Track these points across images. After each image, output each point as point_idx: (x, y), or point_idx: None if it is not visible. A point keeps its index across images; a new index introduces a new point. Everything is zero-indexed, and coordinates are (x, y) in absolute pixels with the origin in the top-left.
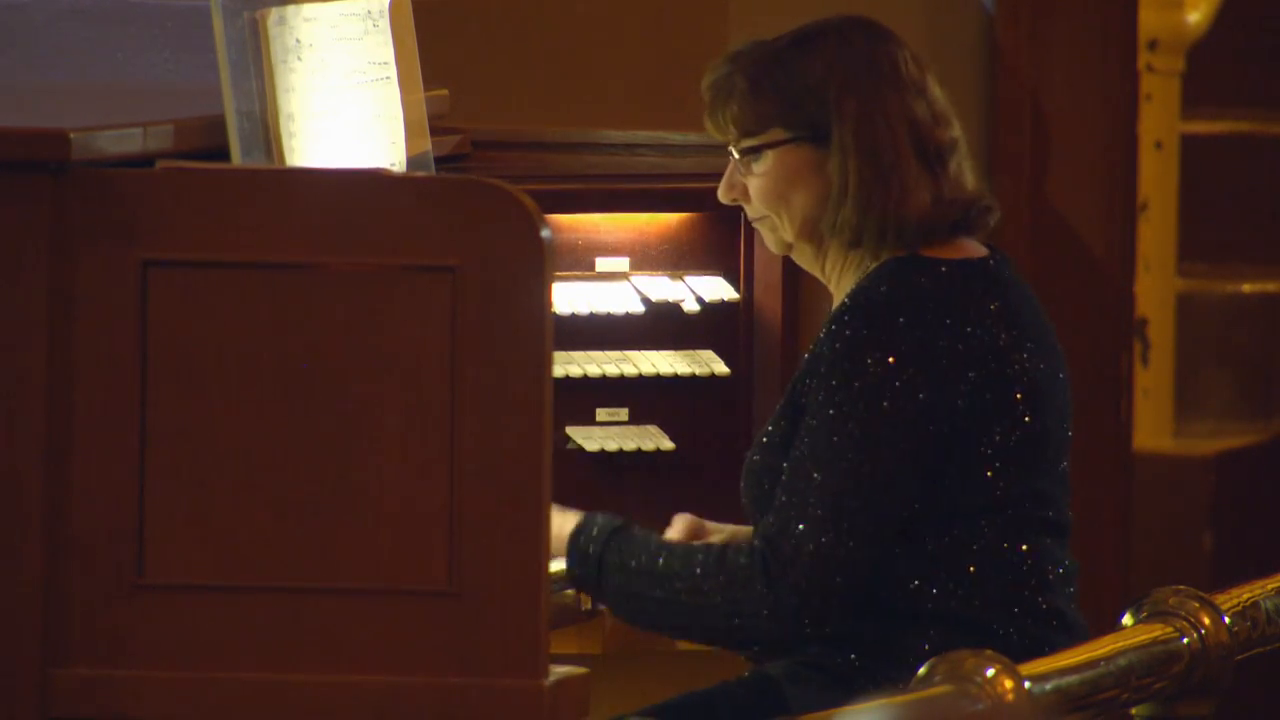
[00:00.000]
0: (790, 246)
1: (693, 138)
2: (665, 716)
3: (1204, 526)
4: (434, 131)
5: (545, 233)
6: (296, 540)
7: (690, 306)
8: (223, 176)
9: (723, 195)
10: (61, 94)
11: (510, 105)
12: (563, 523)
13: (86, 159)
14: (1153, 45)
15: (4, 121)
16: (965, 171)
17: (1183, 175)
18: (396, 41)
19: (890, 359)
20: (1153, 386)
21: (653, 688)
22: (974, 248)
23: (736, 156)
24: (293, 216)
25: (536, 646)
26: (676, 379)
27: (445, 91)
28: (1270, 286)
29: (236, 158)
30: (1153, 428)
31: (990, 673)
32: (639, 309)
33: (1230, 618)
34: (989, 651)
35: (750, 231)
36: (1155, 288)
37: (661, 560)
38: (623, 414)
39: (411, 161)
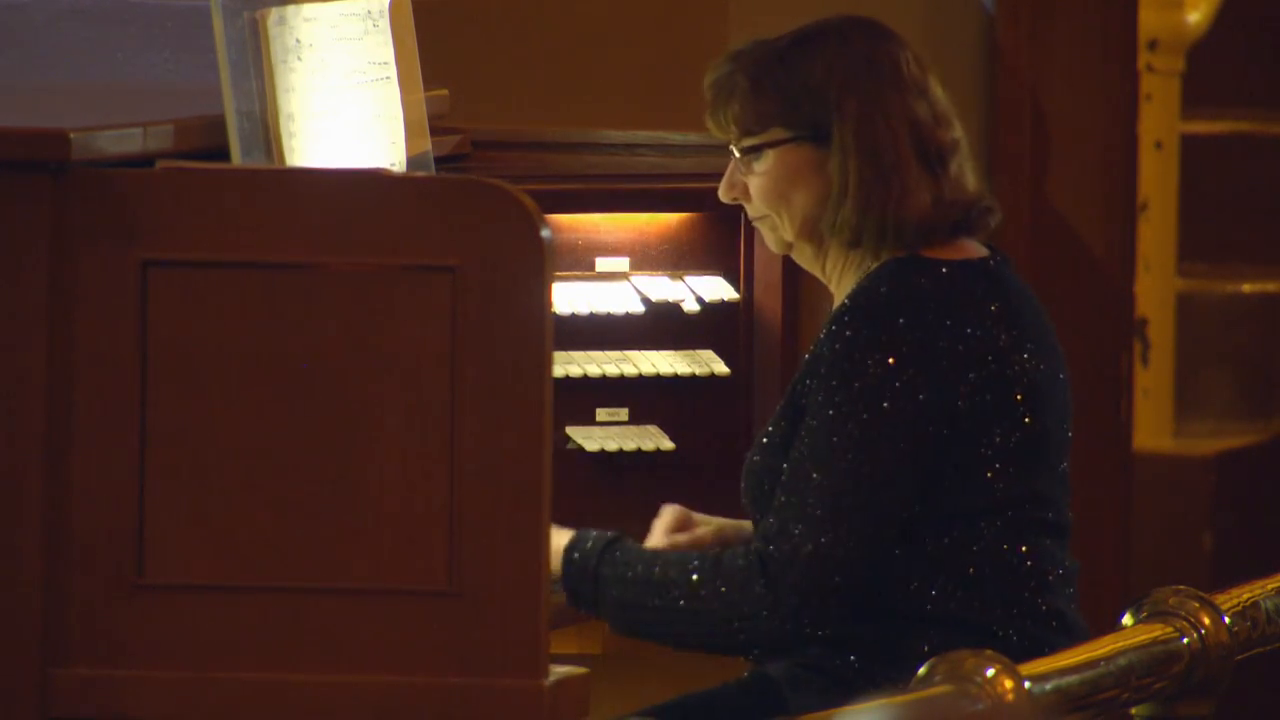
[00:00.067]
0: (790, 246)
1: (693, 138)
2: (664, 717)
3: (1204, 526)
4: (434, 131)
5: (545, 233)
6: (296, 540)
7: (690, 306)
8: (223, 176)
9: (723, 194)
10: (61, 94)
11: (510, 105)
12: (556, 539)
13: (86, 159)
14: (1153, 45)
15: (4, 121)
16: (966, 172)
17: (1183, 175)
18: (396, 41)
19: (890, 360)
20: (1153, 386)
21: (653, 688)
22: (974, 248)
23: (737, 155)
24: (293, 216)
25: (536, 646)
26: (676, 379)
27: (445, 91)
28: (1270, 286)
29: (236, 158)
30: (1153, 428)
31: (990, 673)
32: (639, 309)
33: (1230, 618)
34: (989, 651)
35: (750, 231)
36: (1155, 288)
37: (657, 569)
38: (623, 414)
39: (411, 161)
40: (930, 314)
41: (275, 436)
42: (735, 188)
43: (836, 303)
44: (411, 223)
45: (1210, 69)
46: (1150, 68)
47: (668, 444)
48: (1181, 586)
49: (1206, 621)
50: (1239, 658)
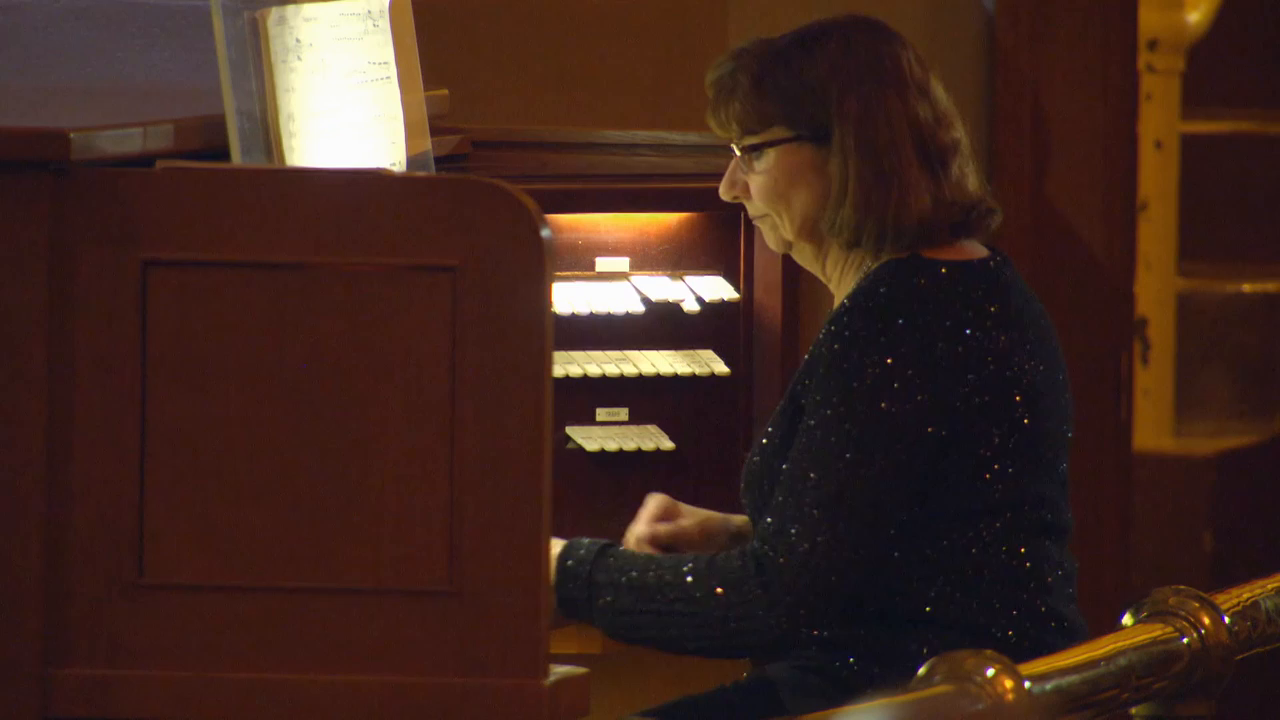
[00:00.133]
0: (791, 245)
1: (693, 138)
2: (664, 719)
3: (1204, 526)
4: (434, 131)
5: (545, 233)
6: (296, 540)
7: (690, 306)
8: (223, 176)
9: (724, 193)
10: (61, 94)
11: (510, 105)
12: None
13: (86, 159)
14: (1153, 45)
15: (4, 121)
16: (967, 173)
17: (1183, 175)
18: (396, 41)
19: (889, 360)
20: (1153, 386)
21: (653, 688)
22: (974, 249)
23: (738, 154)
24: (293, 216)
25: (536, 646)
26: (676, 379)
27: (445, 91)
28: (1270, 286)
29: (236, 158)
30: (1153, 428)
31: (990, 672)
32: (639, 309)
33: (1230, 618)
34: (989, 652)
35: (750, 231)
36: (1155, 287)
37: (652, 573)
38: (623, 414)
39: (411, 161)
40: (929, 315)
41: (275, 436)
42: (736, 186)
43: (837, 303)
44: (411, 223)
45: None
46: (1150, 68)
47: (668, 444)
48: (1181, 586)
49: (1206, 621)
50: (1239, 658)
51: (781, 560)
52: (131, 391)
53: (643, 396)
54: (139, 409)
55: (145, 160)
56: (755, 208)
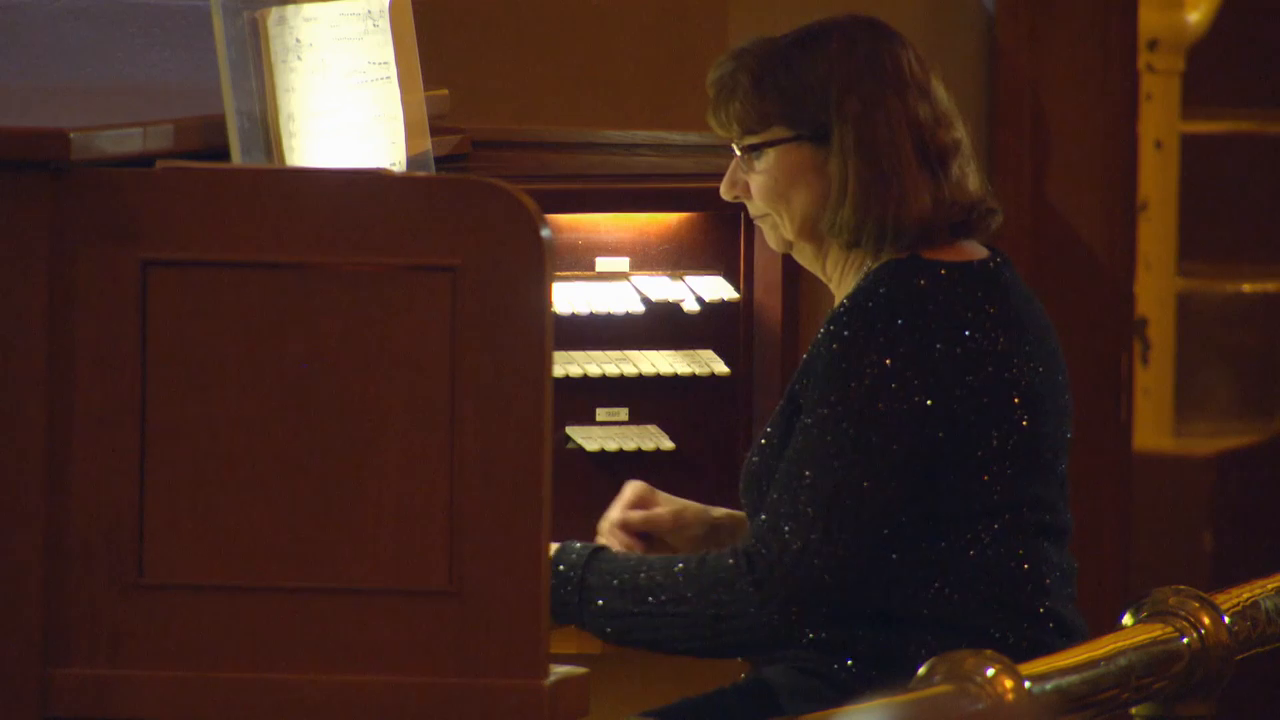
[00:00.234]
0: (791, 245)
1: (693, 138)
2: None
3: (1204, 526)
4: (434, 131)
5: (545, 233)
6: (296, 540)
7: (690, 306)
8: (223, 176)
9: (724, 192)
10: (61, 94)
11: (510, 105)
12: None
13: (86, 159)
14: (1153, 45)
15: (4, 121)
16: (968, 173)
17: (1183, 175)
18: (396, 41)
19: (887, 361)
20: (1153, 386)
21: (653, 688)
22: (974, 250)
23: (739, 154)
24: (293, 216)
25: (536, 646)
26: (676, 379)
27: (445, 91)
28: (1270, 286)
29: (236, 158)
30: (1153, 428)
31: (990, 672)
32: (639, 309)
33: (1230, 618)
34: (989, 651)
35: (750, 231)
36: (1155, 287)
37: (643, 575)
38: (623, 414)
39: (411, 161)
40: (928, 316)
41: (275, 436)
42: (736, 186)
43: (837, 303)
44: (411, 223)
45: (1210, 69)
46: (1150, 68)
47: (668, 444)
48: (1181, 586)
49: (1206, 621)
50: (1239, 658)
51: (774, 558)
52: (131, 391)
53: (643, 396)
54: (139, 409)
55: (145, 160)
56: (756, 207)
